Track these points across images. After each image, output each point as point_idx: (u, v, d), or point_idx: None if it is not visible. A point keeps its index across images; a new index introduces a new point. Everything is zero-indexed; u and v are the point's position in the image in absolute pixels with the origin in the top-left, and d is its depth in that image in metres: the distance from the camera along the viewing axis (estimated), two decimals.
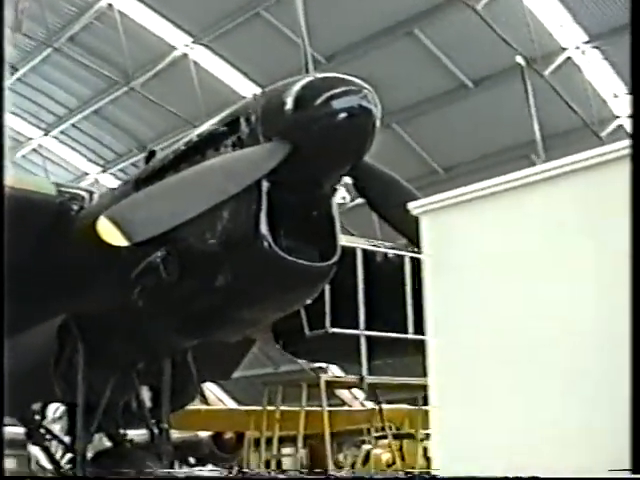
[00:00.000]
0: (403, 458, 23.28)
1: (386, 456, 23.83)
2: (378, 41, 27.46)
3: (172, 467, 11.91)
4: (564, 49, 25.48)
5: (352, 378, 11.92)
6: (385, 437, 24.16)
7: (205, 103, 29.02)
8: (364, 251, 12.46)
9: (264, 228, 8.99)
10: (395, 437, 23.37)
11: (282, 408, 25.74)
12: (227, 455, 29.01)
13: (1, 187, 8.13)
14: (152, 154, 10.83)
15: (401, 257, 12.83)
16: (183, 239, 9.35)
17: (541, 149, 22.80)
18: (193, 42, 30.01)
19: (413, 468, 23.60)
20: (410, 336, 12.45)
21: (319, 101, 8.79)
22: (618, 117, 26.87)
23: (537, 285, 5.15)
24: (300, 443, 13.48)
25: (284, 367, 43.08)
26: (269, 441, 27.07)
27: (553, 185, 5.09)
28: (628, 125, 26.84)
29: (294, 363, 36.84)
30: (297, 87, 9.05)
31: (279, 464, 40.58)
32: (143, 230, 8.07)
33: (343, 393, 41.49)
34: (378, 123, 8.99)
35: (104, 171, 38.60)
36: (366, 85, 9.03)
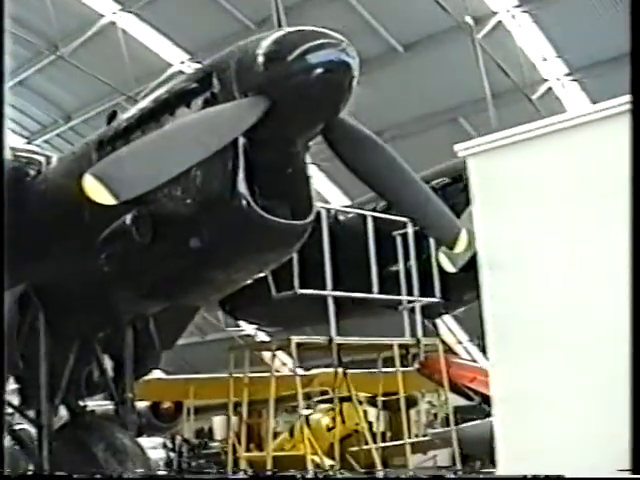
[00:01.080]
0: (343, 421, 23.20)
1: (326, 420, 23.72)
2: (309, 4, 27.00)
3: (138, 437, 11.49)
4: (495, 13, 25.34)
5: (321, 339, 11.61)
6: (326, 402, 24.06)
7: (133, 71, 28.37)
8: (327, 211, 12.19)
9: (242, 186, 8.61)
10: (331, 401, 23.29)
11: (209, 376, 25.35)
12: (165, 425, 28.60)
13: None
14: (114, 114, 10.31)
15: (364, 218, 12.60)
16: (156, 199, 8.88)
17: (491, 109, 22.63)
18: (121, 10, 29.24)
19: (356, 431, 23.61)
20: (377, 296, 12.25)
21: (298, 55, 8.39)
22: (547, 80, 26.91)
23: (587, 229, 4.90)
24: (272, 410, 13.13)
25: (210, 336, 42.88)
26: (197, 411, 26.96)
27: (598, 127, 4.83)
28: (557, 87, 26.96)
29: (221, 331, 36.59)
30: (275, 40, 8.64)
31: (210, 431, 40.29)
32: (130, 187, 7.61)
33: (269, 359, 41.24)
34: (356, 77, 8.68)
35: (29, 143, 37.54)
36: (344, 38, 8.70)
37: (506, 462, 5.61)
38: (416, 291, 12.86)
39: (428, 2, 24.56)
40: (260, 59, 8.54)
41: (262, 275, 10.45)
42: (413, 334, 13.64)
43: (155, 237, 9.08)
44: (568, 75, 26.63)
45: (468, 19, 21.69)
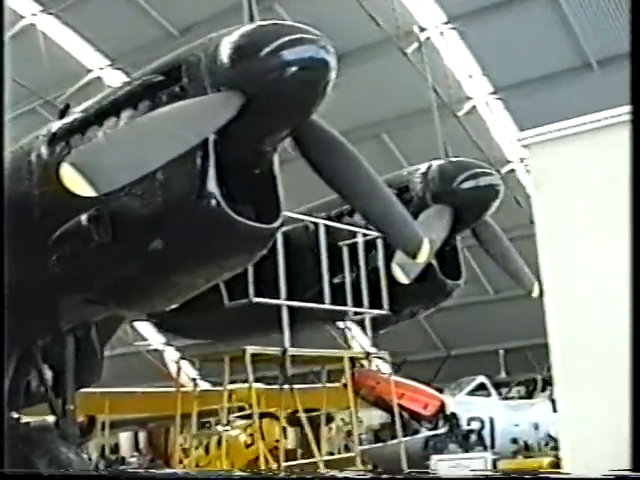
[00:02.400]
0: (263, 438, 22.72)
1: (243, 437, 23.23)
2: (231, 14, 26.52)
3: (79, 449, 10.84)
4: (424, 29, 25.27)
5: (274, 350, 11.16)
6: (246, 417, 23.53)
7: (52, 74, 27.50)
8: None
9: (212, 185, 8.15)
10: (249, 417, 22.80)
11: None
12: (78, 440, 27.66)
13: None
14: (67, 107, 9.72)
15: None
16: (117, 197, 8.33)
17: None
18: (42, 11, 28.33)
19: (276, 448, 23.15)
20: (329, 306, 11.90)
21: (274, 49, 8.03)
22: (471, 98, 27.00)
23: None
24: (194, 425, 12.57)
25: (118, 350, 42.01)
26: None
27: None
28: (481, 105, 27.05)
29: (128, 345, 35.78)
30: (250, 33, 8.25)
31: (117, 447, 39.19)
32: (111, 179, 7.07)
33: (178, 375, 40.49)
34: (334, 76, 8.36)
35: None
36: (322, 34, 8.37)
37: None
38: (366, 303, 12.55)
39: (358, 13, 24.31)
40: (234, 52, 8.12)
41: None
42: (347, 346, 13.30)
43: (115, 237, 8.53)
44: (493, 93, 26.75)
45: (415, 28, 21.55)
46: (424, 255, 9.98)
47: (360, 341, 29.58)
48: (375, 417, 29.25)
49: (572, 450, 5.43)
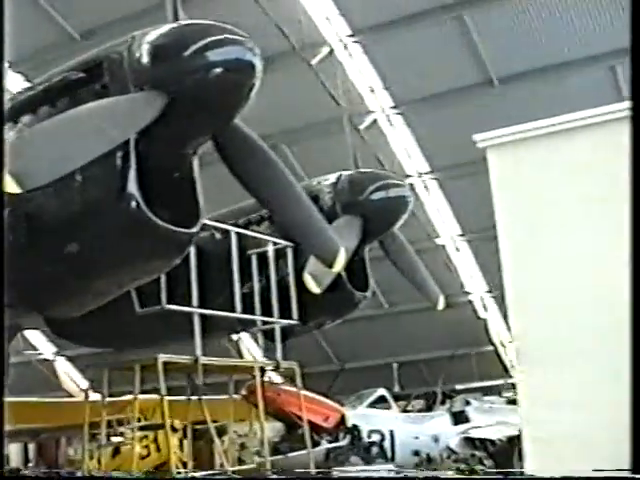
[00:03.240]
0: (159, 449, 22.37)
1: (138, 449, 22.78)
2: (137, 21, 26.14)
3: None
4: (327, 41, 25.27)
5: (186, 359, 10.93)
6: (142, 428, 23.09)
7: None
8: None
9: (133, 187, 7.94)
10: (145, 428, 22.41)
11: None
12: None
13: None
14: None
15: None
16: (33, 197, 8.03)
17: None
18: None
19: (169, 460, 22.80)
20: (241, 315, 11.74)
21: (199, 49, 7.90)
22: (373, 112, 27.07)
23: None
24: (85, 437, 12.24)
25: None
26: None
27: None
28: (382, 119, 27.17)
29: (18, 354, 34.94)
30: (173, 32, 8.08)
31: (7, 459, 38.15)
32: (37, 175, 6.80)
33: (69, 384, 39.71)
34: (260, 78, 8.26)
35: None
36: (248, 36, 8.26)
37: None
38: (276, 313, 12.43)
39: (263, 22, 24.17)
40: (157, 51, 7.95)
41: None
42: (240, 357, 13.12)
43: (29, 239, 8.25)
44: (394, 108, 26.93)
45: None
46: (340, 264, 9.93)
47: (252, 352, 29.39)
48: (269, 429, 29.02)
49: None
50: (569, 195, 4.97)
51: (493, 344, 33.24)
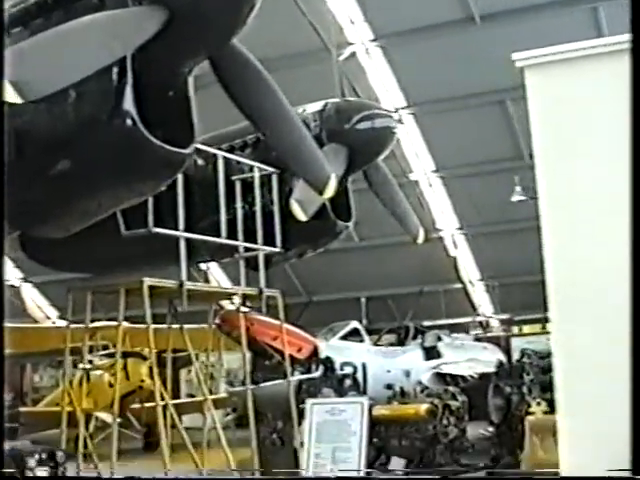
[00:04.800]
0: (128, 377, 22.33)
1: (107, 376, 22.76)
2: None
3: None
4: None
5: (171, 283, 10.83)
6: (110, 356, 23.05)
7: None
8: None
9: (129, 104, 7.78)
10: (111, 356, 22.37)
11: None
12: None
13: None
14: None
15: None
16: (23, 112, 7.86)
17: None
18: None
19: (141, 388, 22.77)
20: (226, 241, 11.67)
21: None
22: (352, 44, 26.78)
23: None
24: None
25: None
26: None
27: None
28: (361, 52, 26.88)
29: None
30: None
31: None
32: (40, 85, 6.62)
33: (35, 311, 39.54)
34: None
35: None
36: None
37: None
38: (260, 239, 12.36)
39: None
40: None
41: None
42: None
43: (20, 155, 8.07)
44: (373, 41, 26.66)
45: None
46: (330, 191, 9.89)
47: (219, 282, 29.28)
48: (234, 360, 29.10)
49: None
50: (611, 121, 4.82)
51: (462, 282, 33.44)
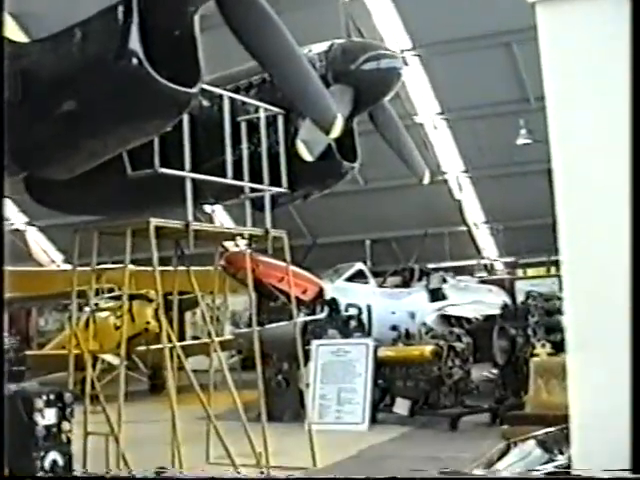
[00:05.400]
0: (133, 320, 22.40)
1: (113, 318, 22.83)
2: None
3: None
4: None
5: (177, 223, 10.82)
6: (115, 298, 23.06)
7: None
8: None
9: (135, 43, 7.73)
10: (117, 298, 22.38)
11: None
12: None
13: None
14: None
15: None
16: (29, 53, 7.81)
17: None
18: None
19: (146, 330, 22.87)
20: (232, 181, 11.65)
21: None
22: None
23: None
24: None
25: None
26: None
27: None
28: None
29: None
30: None
31: None
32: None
33: (40, 254, 39.60)
34: None
35: None
36: None
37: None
38: (266, 180, 12.33)
39: None
40: None
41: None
42: None
43: (25, 97, 8.03)
44: None
45: None
46: (337, 130, 9.85)
47: (224, 224, 29.22)
48: (239, 302, 29.24)
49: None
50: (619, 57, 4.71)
51: (467, 225, 33.43)
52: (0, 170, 7.67)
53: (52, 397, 9.47)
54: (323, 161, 11.96)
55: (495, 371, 17.86)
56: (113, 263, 17.09)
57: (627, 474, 4.77)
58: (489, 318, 19.94)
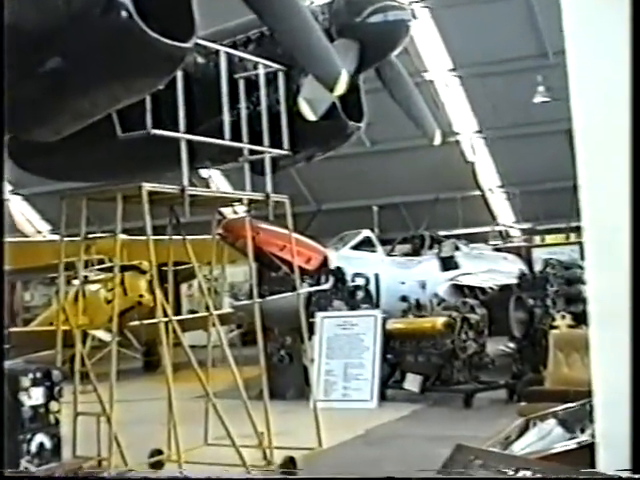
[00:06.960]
0: (125, 293, 22.36)
1: (103, 292, 22.81)
2: None
3: None
4: None
5: (172, 188, 10.74)
6: (106, 270, 22.98)
7: None
8: None
9: None
10: (108, 270, 22.30)
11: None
12: None
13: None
14: None
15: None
16: (11, 7, 7.73)
17: None
18: None
19: (140, 304, 22.83)
20: (230, 143, 11.58)
21: None
22: None
23: None
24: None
25: None
26: None
27: None
28: None
29: None
30: None
31: None
32: None
33: (24, 225, 39.62)
34: None
35: None
36: None
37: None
38: (266, 141, 12.26)
39: None
40: None
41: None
42: None
43: (8, 53, 7.94)
44: None
45: None
46: (342, 87, 9.79)
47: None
48: (238, 273, 29.27)
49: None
50: None
51: (480, 189, 33.35)
52: (0, 147, 7.62)
53: (39, 375, 9.43)
54: (327, 120, 11.87)
55: (512, 344, 17.83)
56: (103, 233, 17.06)
57: (627, 474, 4.76)
58: (505, 288, 19.90)
